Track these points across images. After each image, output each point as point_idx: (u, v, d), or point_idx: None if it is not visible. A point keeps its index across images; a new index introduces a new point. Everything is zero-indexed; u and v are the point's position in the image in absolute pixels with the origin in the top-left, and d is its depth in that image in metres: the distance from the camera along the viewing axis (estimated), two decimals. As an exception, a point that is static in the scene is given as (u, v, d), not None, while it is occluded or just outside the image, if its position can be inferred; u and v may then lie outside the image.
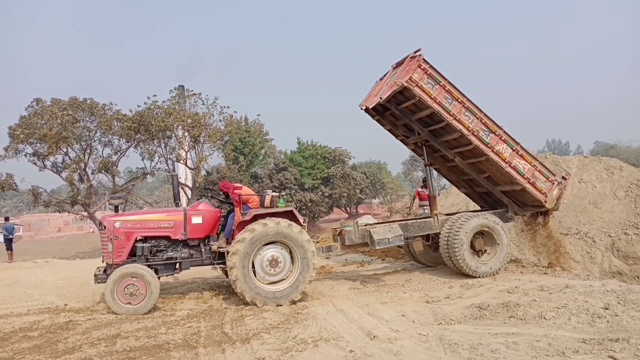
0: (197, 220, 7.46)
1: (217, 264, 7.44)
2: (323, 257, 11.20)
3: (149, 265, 7.08)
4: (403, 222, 9.04)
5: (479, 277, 8.27)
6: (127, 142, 22.64)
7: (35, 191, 21.83)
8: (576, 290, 6.74)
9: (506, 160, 8.23)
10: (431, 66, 7.81)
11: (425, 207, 11.60)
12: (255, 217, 7.26)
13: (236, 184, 8.01)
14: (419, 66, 7.71)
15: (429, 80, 7.78)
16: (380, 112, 9.20)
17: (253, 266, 7.07)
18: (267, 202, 7.74)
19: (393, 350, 4.85)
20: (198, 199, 13.95)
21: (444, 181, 23.36)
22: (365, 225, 8.74)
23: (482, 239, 8.59)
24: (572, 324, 5.39)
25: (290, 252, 7.27)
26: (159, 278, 7.05)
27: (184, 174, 26.44)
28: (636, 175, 11.68)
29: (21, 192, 23.88)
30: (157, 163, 24.07)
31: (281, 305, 6.93)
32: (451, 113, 7.90)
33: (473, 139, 8.04)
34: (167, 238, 7.39)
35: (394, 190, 47.20)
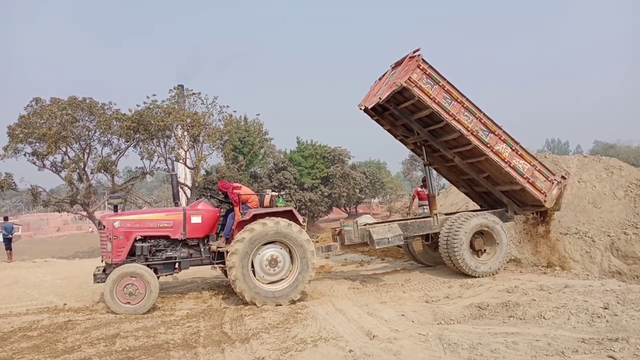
0: (196, 219, 7.45)
1: (217, 263, 7.43)
2: (322, 256, 11.19)
3: (148, 265, 7.07)
4: (402, 221, 9.03)
5: (479, 276, 8.27)
6: (127, 142, 22.65)
7: (35, 191, 21.82)
8: (575, 289, 6.75)
9: (505, 160, 8.22)
10: (430, 66, 7.79)
11: (424, 207, 11.60)
12: (255, 217, 7.26)
13: (235, 184, 7.99)
14: (418, 66, 7.70)
15: (428, 80, 7.77)
16: (379, 112, 9.19)
17: (252, 266, 7.07)
18: (266, 201, 7.73)
19: (392, 350, 4.85)
20: (197, 199, 13.95)
21: (444, 181, 23.37)
22: (365, 224, 8.73)
23: (482, 238, 8.59)
24: (571, 323, 5.39)
25: (290, 252, 7.26)
26: (158, 278, 7.03)
27: (183, 174, 26.46)
28: (636, 174, 11.69)
29: (20, 191, 23.84)
30: (156, 163, 24.11)
31: (280, 305, 6.93)
32: (450, 113, 7.90)
33: (472, 139, 8.04)
34: (167, 238, 7.39)
35: (393, 189, 47.24)
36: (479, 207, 10.45)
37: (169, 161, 24.20)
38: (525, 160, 8.38)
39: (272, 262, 7.13)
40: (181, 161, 24.13)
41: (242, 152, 32.21)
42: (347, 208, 46.13)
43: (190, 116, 23.15)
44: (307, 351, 4.93)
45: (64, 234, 51.49)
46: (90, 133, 21.89)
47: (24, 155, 20.95)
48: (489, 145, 8.13)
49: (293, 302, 7.07)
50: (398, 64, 8.49)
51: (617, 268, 9.63)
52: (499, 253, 8.53)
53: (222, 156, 27.31)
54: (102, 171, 22.52)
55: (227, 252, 7.06)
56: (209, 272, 9.25)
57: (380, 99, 8.16)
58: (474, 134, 8.04)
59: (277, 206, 7.63)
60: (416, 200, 12.49)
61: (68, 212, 24.14)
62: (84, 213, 23.40)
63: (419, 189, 12.34)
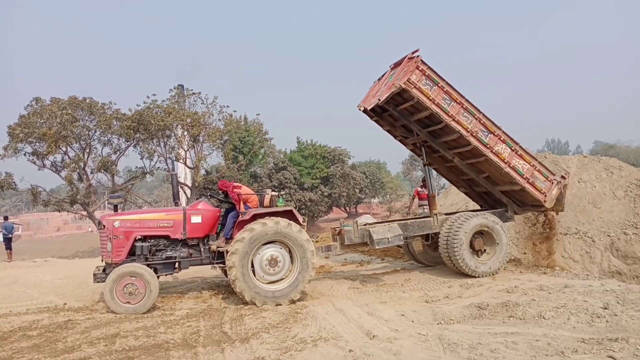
0: (196, 219, 7.45)
1: (217, 263, 7.44)
2: (322, 256, 11.19)
3: (148, 265, 7.07)
4: (402, 221, 9.03)
5: (479, 276, 8.27)
6: (127, 142, 22.66)
7: (35, 190, 21.83)
8: (575, 289, 6.75)
9: (505, 161, 8.22)
10: (429, 67, 7.78)
11: (424, 207, 11.60)
12: (255, 217, 7.26)
13: (235, 183, 8.01)
14: (417, 67, 7.68)
15: (427, 81, 7.76)
16: (378, 113, 9.18)
17: (252, 265, 7.07)
18: (266, 201, 7.73)
19: (392, 349, 4.85)
20: (197, 198, 13.96)
21: (444, 181, 23.36)
22: (365, 224, 8.74)
23: (482, 238, 8.59)
24: (571, 323, 5.39)
25: (290, 252, 7.27)
26: (158, 277, 7.04)
27: (183, 173, 26.46)
28: (635, 175, 11.67)
29: (20, 191, 23.86)
30: (156, 162, 24.13)
31: (280, 305, 6.93)
32: (450, 114, 7.89)
33: (472, 139, 8.04)
34: (167, 237, 7.39)
35: (393, 189, 47.22)
36: (478, 207, 10.45)
37: (169, 161, 24.21)
38: (525, 161, 8.38)
39: (272, 261, 7.13)
40: (181, 161, 24.14)
41: (242, 152, 32.21)
42: (347, 208, 46.11)
43: (190, 116, 23.16)
44: (306, 351, 4.93)
45: (64, 234, 51.46)
46: (90, 133, 21.91)
47: (24, 154, 20.99)
48: (488, 146, 8.12)
49: (293, 301, 7.07)
50: (397, 64, 8.48)
51: (617, 268, 9.62)
52: (498, 253, 8.53)
53: (222, 156, 27.34)
54: (102, 171, 22.53)
55: (227, 252, 7.06)
56: (208, 271, 9.25)
57: (379, 100, 8.16)
58: (474, 134, 8.03)
59: (277, 206, 7.63)
60: (416, 200, 12.49)
61: (68, 211, 24.15)
62: (84, 213, 23.41)
63: (419, 189, 12.35)
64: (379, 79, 9.15)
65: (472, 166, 9.03)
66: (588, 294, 6.41)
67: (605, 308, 5.66)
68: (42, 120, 20.29)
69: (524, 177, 8.37)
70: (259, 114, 41.47)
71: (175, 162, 24.60)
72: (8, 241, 16.62)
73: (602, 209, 10.84)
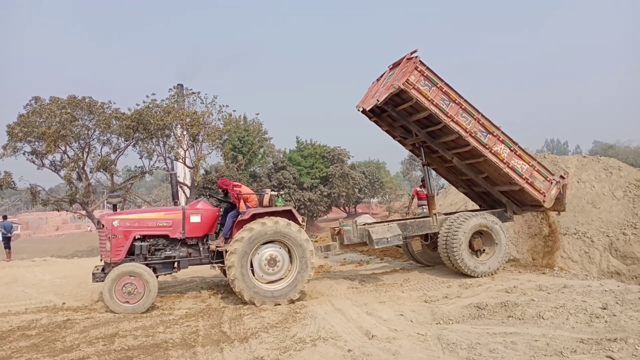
0: (195, 219, 7.45)
1: (216, 263, 7.44)
2: (321, 256, 11.20)
3: (147, 264, 7.07)
4: (402, 221, 9.04)
5: (478, 276, 8.28)
6: (126, 141, 22.60)
7: (34, 190, 21.78)
8: (574, 290, 6.75)
9: (504, 161, 8.23)
10: (428, 68, 7.78)
11: (424, 207, 11.61)
12: (254, 216, 7.26)
13: (235, 182, 8.01)
14: (416, 68, 7.68)
15: (426, 82, 7.76)
16: (377, 113, 9.17)
17: (251, 265, 7.07)
18: (265, 201, 7.73)
19: (391, 349, 4.85)
20: (196, 198, 13.95)
21: (443, 181, 23.38)
22: (364, 224, 8.74)
23: (481, 238, 8.60)
24: (570, 323, 5.40)
25: (289, 251, 7.27)
26: (157, 277, 7.04)
27: (183, 173, 26.44)
28: (635, 175, 11.68)
29: (19, 190, 23.80)
30: (155, 162, 24.05)
31: (279, 305, 6.93)
32: (448, 115, 7.89)
33: (471, 140, 8.04)
34: (166, 237, 7.39)
35: (392, 189, 47.20)
36: (478, 207, 10.45)
37: (168, 160, 24.16)
38: (524, 161, 8.39)
39: (271, 261, 7.14)
40: (180, 160, 24.10)
41: (241, 152, 32.19)
42: (347, 208, 46.11)
43: (190, 115, 23.13)
44: (305, 351, 4.93)
45: (63, 233, 51.40)
46: (89, 132, 21.84)
47: (23, 154, 20.91)
48: (487, 146, 8.13)
49: (292, 301, 7.07)
50: (396, 64, 8.48)
51: (616, 268, 9.63)
52: (498, 253, 8.54)
53: (221, 155, 27.30)
54: (102, 170, 22.48)
55: (226, 252, 7.06)
56: (208, 271, 9.24)
57: (377, 101, 8.15)
58: (473, 135, 8.04)
59: (276, 205, 7.63)
60: (415, 200, 12.50)
61: (67, 211, 24.09)
62: (83, 212, 23.37)
63: (418, 189, 12.36)
64: (378, 80, 9.15)
65: (471, 166, 9.03)
66: (587, 294, 6.41)
67: (604, 308, 5.67)
68: (42, 120, 20.24)
69: (523, 177, 8.37)
70: (258, 114, 41.52)
71: (174, 161, 24.57)
72: (7, 240, 16.62)
73: (601, 209, 10.84)
